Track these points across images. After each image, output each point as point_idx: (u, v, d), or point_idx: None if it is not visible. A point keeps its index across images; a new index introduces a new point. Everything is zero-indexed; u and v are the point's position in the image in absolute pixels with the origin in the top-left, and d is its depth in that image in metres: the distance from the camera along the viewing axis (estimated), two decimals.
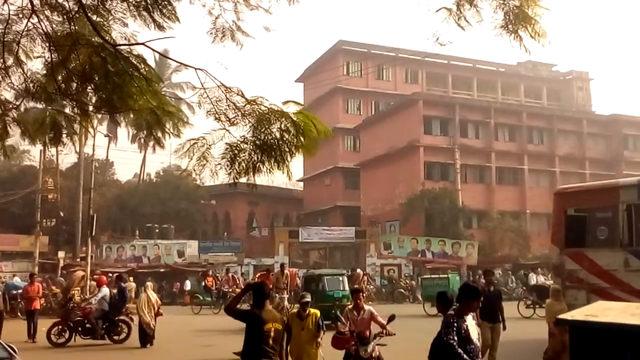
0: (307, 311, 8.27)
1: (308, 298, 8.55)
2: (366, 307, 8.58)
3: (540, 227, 43.80)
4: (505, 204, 42.08)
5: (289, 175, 6.34)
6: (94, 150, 33.15)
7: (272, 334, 5.79)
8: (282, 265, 21.56)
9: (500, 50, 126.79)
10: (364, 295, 22.29)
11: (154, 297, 15.63)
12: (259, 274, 23.80)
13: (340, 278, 19.37)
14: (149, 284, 17.06)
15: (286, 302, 19.92)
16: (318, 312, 8.43)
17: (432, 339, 5.28)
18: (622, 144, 47.36)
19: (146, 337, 14.89)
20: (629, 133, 47.75)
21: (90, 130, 25.47)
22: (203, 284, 29.55)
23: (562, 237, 13.73)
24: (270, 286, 19.05)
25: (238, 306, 6.06)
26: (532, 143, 45.44)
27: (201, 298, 28.16)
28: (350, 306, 9.14)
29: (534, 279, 26.27)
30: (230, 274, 30.41)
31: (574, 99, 56.40)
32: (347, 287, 18.27)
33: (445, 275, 25.53)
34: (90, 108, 6.86)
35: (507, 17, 5.40)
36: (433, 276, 27.48)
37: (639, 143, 48.23)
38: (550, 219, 44.69)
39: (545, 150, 45.45)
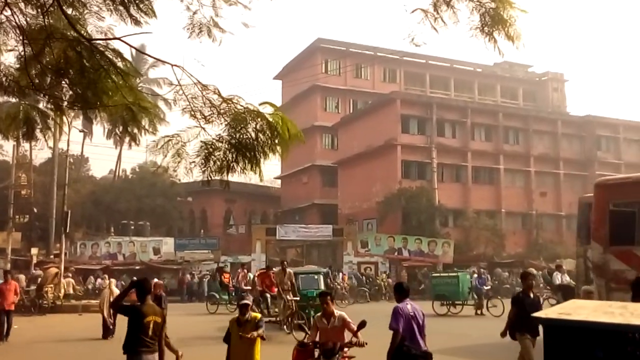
0: (247, 315, 7.33)
1: (247, 300, 7.60)
2: (337, 312, 7.23)
3: (515, 226, 44.42)
4: (481, 203, 42.50)
5: (260, 176, 6.33)
6: (68, 145, 32.74)
7: (151, 326, 6.36)
8: (282, 264, 19.72)
9: (477, 50, 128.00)
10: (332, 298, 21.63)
11: (115, 292, 16.19)
12: (258, 272, 21.76)
13: (316, 276, 18.48)
14: (113, 280, 19.16)
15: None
16: (259, 315, 7.63)
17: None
18: (596, 145, 48.10)
19: (107, 330, 15.98)
20: (602, 134, 48.52)
21: (65, 125, 25.19)
22: (219, 280, 26.73)
23: (605, 234, 12.04)
24: (274, 287, 18.45)
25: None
26: (507, 143, 45.94)
27: (217, 296, 25.69)
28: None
29: (558, 278, 25.40)
30: (243, 270, 26.32)
31: (549, 100, 57.20)
32: (322, 286, 17.47)
33: (455, 274, 24.02)
34: (65, 103, 6.76)
35: (483, 19, 5.44)
36: (442, 274, 25.88)
37: (612, 144, 49.05)
38: (525, 218, 45.54)
39: (521, 150, 45.99)
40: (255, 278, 20.21)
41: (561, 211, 45.32)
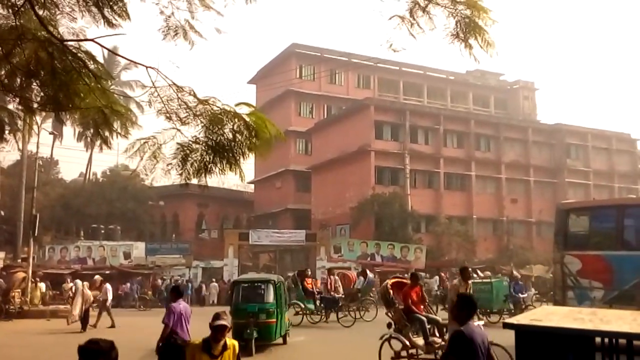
0: (222, 342, 5.36)
1: (222, 320, 5.35)
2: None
3: (486, 232, 44.89)
4: (452, 209, 42.86)
5: (241, 176, 6.29)
6: (37, 147, 32.22)
7: None
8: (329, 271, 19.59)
9: (450, 58, 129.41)
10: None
11: (87, 293, 19.68)
12: (392, 280, 13.24)
13: (263, 286, 14.67)
14: (86, 283, 21.00)
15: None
16: (236, 344, 5.58)
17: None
18: (565, 153, 48.93)
19: (85, 324, 19.15)
20: (571, 142, 49.38)
21: (35, 127, 24.78)
22: (301, 286, 21.62)
23: None
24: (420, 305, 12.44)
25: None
26: (479, 150, 46.46)
27: (302, 305, 20.86)
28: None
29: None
30: (333, 276, 23.20)
31: (520, 108, 58.06)
32: (271, 299, 14.17)
33: (488, 280, 21.83)
34: (35, 105, 6.64)
35: (459, 26, 5.50)
36: (476, 281, 22.06)
37: (581, 152, 49.94)
38: (496, 225, 45.98)
39: (492, 157, 46.53)
40: (389, 288, 12.17)
41: (531, 218, 45.99)
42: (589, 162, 49.40)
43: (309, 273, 22.95)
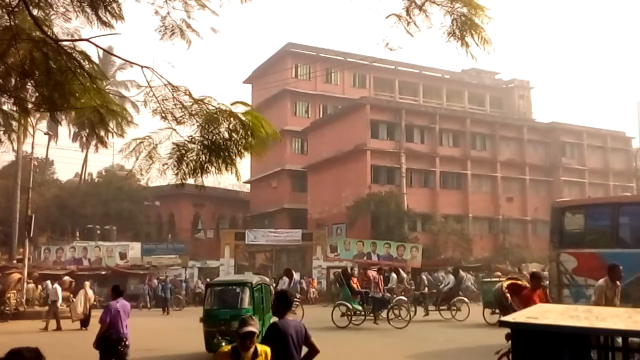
0: (251, 349, 4.92)
1: (250, 327, 4.88)
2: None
3: (482, 230, 45.00)
4: (448, 207, 42.94)
5: (237, 175, 6.28)
6: (33, 148, 32.19)
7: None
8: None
9: (445, 57, 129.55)
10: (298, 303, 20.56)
11: (90, 292, 20.46)
12: (507, 281, 11.85)
13: (238, 289, 12.86)
14: (87, 282, 21.73)
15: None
16: (268, 350, 5.07)
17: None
18: (560, 151, 49.09)
19: (86, 322, 19.62)
20: (566, 140, 49.54)
21: (30, 127, 24.69)
22: (346, 285, 20.34)
23: None
24: None
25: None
26: (475, 149, 46.56)
27: (349, 306, 19.31)
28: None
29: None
30: (371, 272, 22.72)
31: (516, 106, 58.19)
32: (247, 304, 12.40)
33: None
34: (30, 105, 6.63)
35: (455, 24, 5.51)
36: (494, 279, 22.76)
37: (576, 150, 50.10)
38: (492, 223, 46.06)
39: (488, 156, 46.64)
40: (505, 291, 10.92)
41: (527, 216, 46.13)
42: (584, 160, 49.57)
43: (355, 272, 22.03)
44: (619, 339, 3.27)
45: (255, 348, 4.93)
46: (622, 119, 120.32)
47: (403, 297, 21.56)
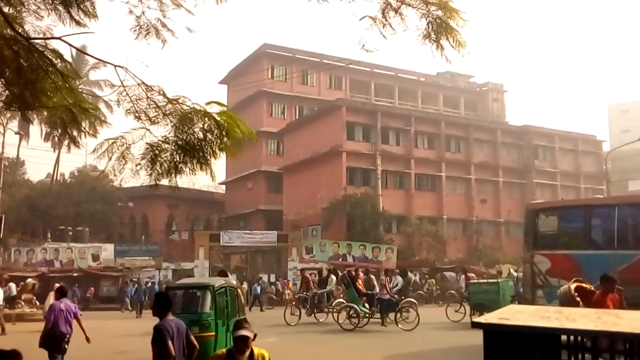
0: (246, 353, 4.82)
1: (244, 330, 4.80)
2: (257, 350, 4.93)
3: (456, 232, 45.39)
4: (423, 209, 43.23)
5: (212, 176, 6.23)
6: (3, 148, 31.56)
7: None
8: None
9: (421, 60, 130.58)
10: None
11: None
12: (574, 283, 10.65)
13: (199, 293, 12.10)
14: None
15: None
16: (266, 353, 4.98)
17: None
18: (533, 154, 49.76)
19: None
20: (539, 143, 50.24)
21: (0, 127, 24.28)
22: (351, 287, 19.83)
23: None
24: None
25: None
26: (449, 151, 46.93)
27: (357, 308, 18.92)
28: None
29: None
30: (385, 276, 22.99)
31: (489, 109, 58.84)
32: (208, 308, 11.55)
33: (495, 280, 21.40)
34: (1, 104, 6.50)
35: (430, 27, 5.54)
36: (481, 281, 22.75)
37: (548, 153, 50.83)
38: (466, 225, 46.55)
39: (462, 158, 47.06)
40: (574, 295, 9.83)
41: (500, 218, 46.66)
42: (556, 163, 50.31)
43: (360, 274, 21.37)
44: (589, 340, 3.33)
45: (252, 351, 4.84)
46: (592, 122, 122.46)
47: (412, 299, 21.22)
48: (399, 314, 18.80)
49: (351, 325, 18.46)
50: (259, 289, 31.89)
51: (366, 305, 19.13)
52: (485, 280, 22.53)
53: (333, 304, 20.90)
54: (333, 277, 22.29)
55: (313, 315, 20.93)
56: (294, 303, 22.32)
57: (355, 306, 18.77)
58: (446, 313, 21.24)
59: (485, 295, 19.77)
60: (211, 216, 55.39)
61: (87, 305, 30.47)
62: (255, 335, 4.88)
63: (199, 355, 5.89)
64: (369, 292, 19.55)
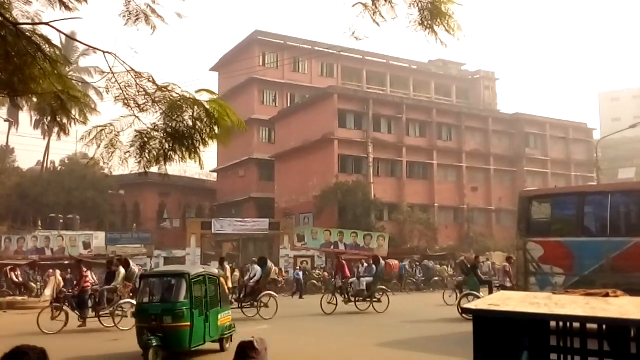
0: None
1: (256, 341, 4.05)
2: None
3: (447, 219, 45.58)
4: (415, 197, 43.33)
5: (201, 164, 6.21)
6: None
7: None
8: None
9: (412, 48, 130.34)
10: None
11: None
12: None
13: (173, 281, 11.43)
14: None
15: None
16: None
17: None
18: (524, 142, 49.93)
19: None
20: (530, 131, 50.40)
21: None
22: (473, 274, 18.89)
23: None
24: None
25: None
26: (441, 139, 47.00)
27: (479, 296, 16.33)
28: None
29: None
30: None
31: (481, 97, 58.93)
32: (182, 297, 10.97)
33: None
34: None
35: (422, 13, 5.51)
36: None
37: (539, 141, 51.01)
38: (457, 212, 46.70)
39: (453, 146, 47.15)
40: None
41: (491, 205, 46.88)
42: (547, 151, 50.52)
43: (480, 258, 20.10)
44: (578, 325, 3.36)
45: None
46: (583, 110, 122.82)
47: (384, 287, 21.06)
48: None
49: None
50: (300, 274, 30.94)
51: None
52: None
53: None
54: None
55: (354, 303, 19.93)
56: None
57: (477, 294, 16.87)
58: (443, 298, 21.86)
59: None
60: (203, 204, 55.31)
61: None
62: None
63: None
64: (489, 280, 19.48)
